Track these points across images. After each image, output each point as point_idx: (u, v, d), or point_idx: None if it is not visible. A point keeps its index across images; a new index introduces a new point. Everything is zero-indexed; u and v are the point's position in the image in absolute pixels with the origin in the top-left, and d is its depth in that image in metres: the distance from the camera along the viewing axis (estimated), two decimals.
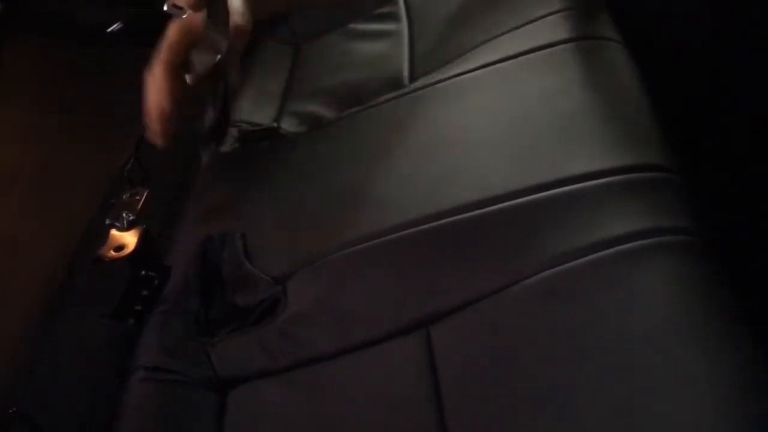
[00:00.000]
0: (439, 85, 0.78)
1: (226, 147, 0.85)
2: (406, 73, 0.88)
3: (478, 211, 0.64)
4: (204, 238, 0.74)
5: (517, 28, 0.80)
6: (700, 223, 0.60)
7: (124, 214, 0.67)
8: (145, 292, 0.70)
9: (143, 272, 0.68)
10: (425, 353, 0.59)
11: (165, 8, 0.73)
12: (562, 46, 0.75)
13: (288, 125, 0.86)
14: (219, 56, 0.76)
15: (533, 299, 0.58)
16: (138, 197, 0.69)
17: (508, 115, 0.70)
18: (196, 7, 0.74)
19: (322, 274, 0.67)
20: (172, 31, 0.75)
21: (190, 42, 0.75)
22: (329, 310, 0.65)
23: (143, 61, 1.04)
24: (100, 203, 0.86)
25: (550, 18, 0.79)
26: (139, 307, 0.70)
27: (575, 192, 0.62)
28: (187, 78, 0.76)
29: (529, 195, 0.63)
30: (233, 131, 0.86)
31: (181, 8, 0.73)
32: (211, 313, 0.71)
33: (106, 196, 0.86)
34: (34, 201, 0.90)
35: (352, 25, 0.97)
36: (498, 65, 0.76)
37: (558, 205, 0.62)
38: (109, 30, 1.01)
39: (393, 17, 0.97)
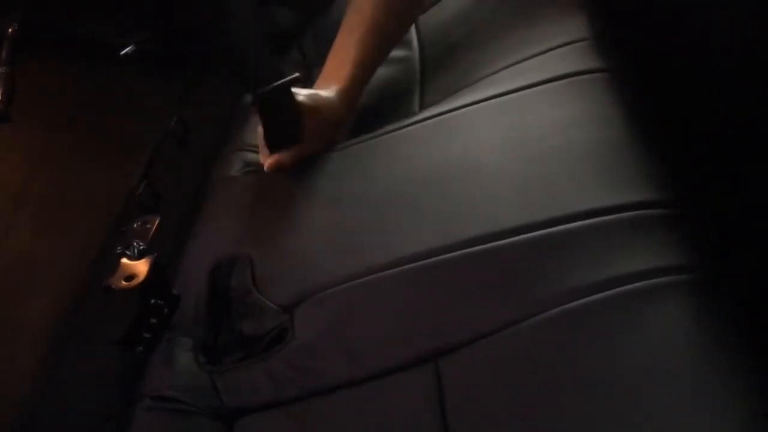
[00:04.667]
0: (450, 114, 0.78)
1: (236, 171, 0.85)
2: (416, 100, 0.88)
3: (488, 245, 0.64)
4: (213, 265, 0.74)
5: (529, 58, 0.80)
6: (710, 261, 0.59)
7: (135, 243, 0.67)
8: (153, 321, 0.70)
9: (152, 301, 0.69)
10: (434, 387, 0.59)
11: None
12: (572, 79, 0.76)
13: None
14: None
15: (543, 335, 0.58)
16: (149, 225, 0.69)
17: (518, 148, 0.71)
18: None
19: (330, 303, 0.67)
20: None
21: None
22: (337, 341, 0.65)
23: (155, 83, 1.06)
24: (111, 225, 0.87)
25: (562, 49, 0.79)
26: (147, 335, 0.70)
27: (583, 228, 0.62)
28: None
29: (539, 230, 0.63)
30: (242, 155, 0.87)
31: None
32: (219, 340, 0.72)
33: (117, 219, 0.86)
34: (45, 221, 0.90)
35: None
36: (509, 96, 0.76)
37: (566, 242, 0.62)
38: (122, 53, 1.02)
39: (404, 43, 0.97)
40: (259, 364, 0.66)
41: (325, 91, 0.83)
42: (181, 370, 0.67)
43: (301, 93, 0.80)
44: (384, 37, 0.89)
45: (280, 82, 0.76)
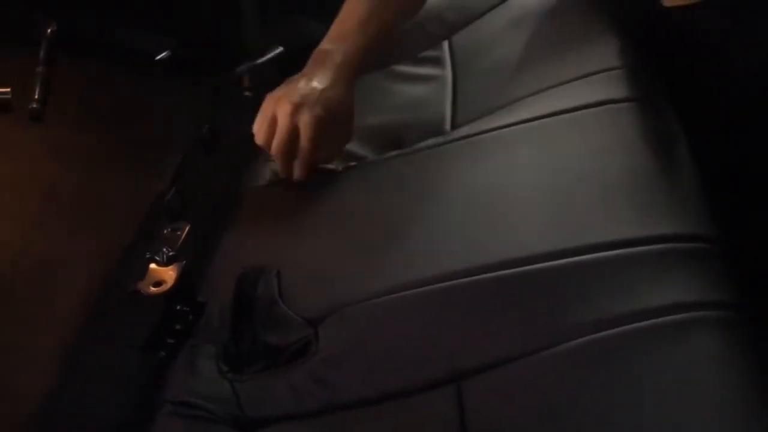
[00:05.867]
0: (482, 136, 0.78)
1: (265, 182, 0.86)
2: (447, 119, 0.88)
3: (515, 270, 0.64)
4: (239, 274, 0.74)
5: (563, 83, 0.80)
6: (742, 297, 0.59)
7: (164, 249, 0.68)
8: (177, 326, 0.70)
9: (178, 307, 0.69)
10: (455, 409, 0.59)
11: None
12: (605, 107, 0.76)
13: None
14: None
15: (570, 364, 0.57)
16: (179, 232, 0.70)
17: (550, 174, 0.71)
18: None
19: (355, 319, 0.67)
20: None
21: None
22: (360, 357, 0.65)
23: (187, 89, 1.07)
24: (137, 228, 0.87)
25: (595, 77, 0.79)
26: (171, 340, 0.70)
27: (613, 258, 0.62)
28: None
29: (567, 257, 0.63)
30: (271, 166, 0.87)
31: None
32: (241, 349, 0.72)
33: (144, 223, 0.87)
34: (72, 220, 0.91)
35: (396, 67, 0.98)
36: (542, 121, 0.77)
37: (595, 271, 0.62)
38: (158, 58, 1.03)
39: (437, 62, 0.98)
40: (281, 376, 0.66)
41: (321, 78, 0.81)
42: (203, 378, 0.67)
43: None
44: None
45: (266, 57, 0.77)
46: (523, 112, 0.79)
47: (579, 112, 0.76)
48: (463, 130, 0.80)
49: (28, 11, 1.09)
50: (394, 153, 0.81)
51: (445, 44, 1.01)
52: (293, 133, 0.78)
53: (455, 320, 0.64)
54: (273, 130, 0.80)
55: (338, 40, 0.85)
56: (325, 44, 0.85)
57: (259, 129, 0.81)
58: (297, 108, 0.78)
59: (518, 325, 0.61)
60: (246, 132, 0.85)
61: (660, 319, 0.57)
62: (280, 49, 0.77)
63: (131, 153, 1.00)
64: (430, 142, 0.80)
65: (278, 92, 0.81)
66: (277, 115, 0.79)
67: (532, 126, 0.76)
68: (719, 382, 0.53)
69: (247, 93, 0.83)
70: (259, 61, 0.75)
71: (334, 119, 0.80)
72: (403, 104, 0.93)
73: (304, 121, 0.78)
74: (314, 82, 0.81)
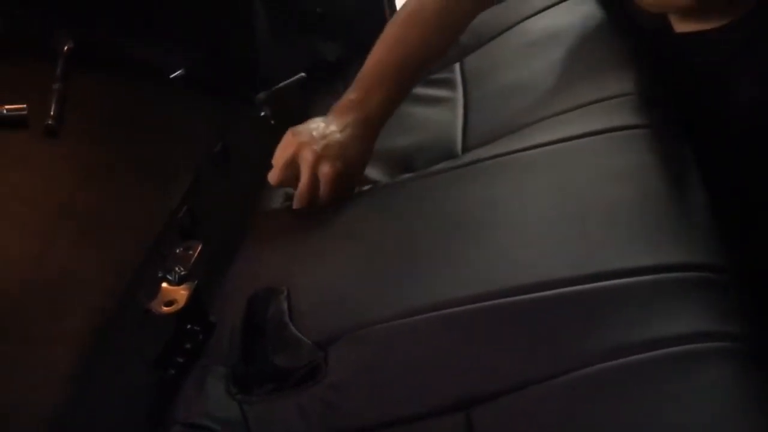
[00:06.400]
0: (493, 160, 0.79)
1: (277, 204, 0.86)
2: (459, 142, 0.89)
3: (527, 296, 0.64)
4: (250, 295, 0.75)
5: (574, 109, 0.81)
6: (753, 329, 0.59)
7: (177, 268, 0.68)
8: (188, 345, 0.70)
9: (189, 326, 0.69)
10: None
11: None
12: (617, 133, 0.76)
13: None
14: None
15: (581, 392, 0.57)
16: (191, 251, 0.70)
17: (561, 200, 0.71)
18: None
19: (365, 343, 0.67)
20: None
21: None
22: (369, 382, 0.65)
23: (201, 108, 1.08)
24: (149, 245, 0.88)
25: (607, 102, 0.80)
26: (180, 359, 0.71)
27: (625, 286, 0.62)
28: None
29: (579, 285, 0.63)
30: (284, 189, 0.88)
31: None
32: (251, 370, 0.72)
33: (156, 241, 0.88)
34: (85, 237, 0.91)
35: None
36: (554, 146, 0.77)
37: (607, 299, 0.62)
38: (173, 76, 1.04)
39: (449, 84, 0.99)
40: (290, 399, 0.66)
41: (343, 129, 0.84)
42: (212, 399, 0.67)
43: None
44: (424, 55, 0.90)
45: (287, 81, 0.79)
46: (535, 137, 0.79)
47: (590, 138, 0.76)
48: (474, 154, 0.81)
49: (46, 28, 1.10)
50: (405, 177, 0.82)
51: (457, 66, 1.02)
52: (316, 184, 0.82)
53: (465, 346, 0.64)
54: (289, 171, 0.83)
55: (362, 92, 0.87)
56: (349, 94, 0.88)
57: (276, 169, 0.84)
58: (319, 159, 0.81)
59: (528, 353, 0.61)
60: (259, 151, 0.85)
61: (670, 350, 0.57)
62: (302, 74, 0.80)
63: (145, 169, 1.00)
64: (441, 165, 0.81)
65: (302, 135, 0.83)
66: (299, 162, 0.82)
67: (544, 151, 0.77)
68: (729, 413, 0.53)
69: (263, 114, 0.85)
70: (281, 85, 0.77)
71: (352, 171, 0.84)
72: (415, 126, 0.94)
73: (325, 173, 0.81)
74: (337, 133, 0.84)
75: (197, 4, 1.10)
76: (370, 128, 0.85)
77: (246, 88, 1.06)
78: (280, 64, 1.07)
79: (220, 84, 1.09)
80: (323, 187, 0.82)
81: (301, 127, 0.85)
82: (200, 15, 1.10)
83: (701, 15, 0.87)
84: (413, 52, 0.89)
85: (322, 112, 0.89)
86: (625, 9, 0.92)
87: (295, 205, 0.84)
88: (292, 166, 0.83)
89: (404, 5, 0.94)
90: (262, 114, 0.85)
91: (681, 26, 0.89)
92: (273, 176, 0.84)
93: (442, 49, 0.93)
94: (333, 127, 0.84)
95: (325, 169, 0.81)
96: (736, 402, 0.54)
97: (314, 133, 0.83)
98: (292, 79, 0.79)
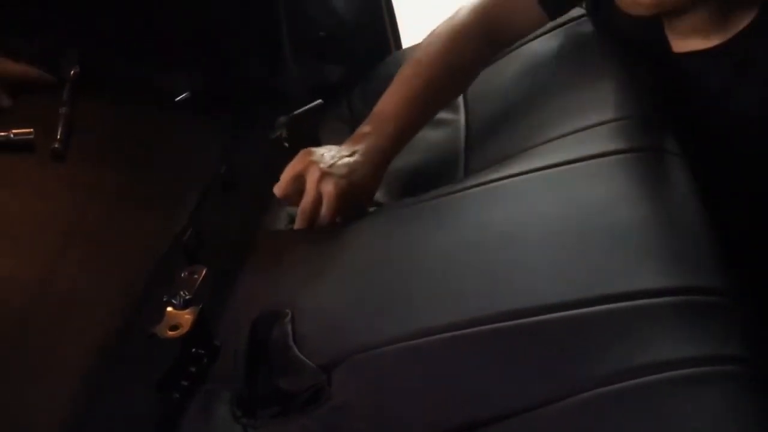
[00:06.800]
0: (495, 183, 0.79)
1: (282, 225, 0.87)
2: (461, 165, 0.90)
3: (527, 319, 0.64)
4: (254, 317, 0.75)
5: (575, 132, 0.81)
6: (756, 353, 0.59)
7: (181, 293, 0.69)
8: (192, 369, 0.71)
9: (193, 350, 0.70)
10: None
11: None
12: (618, 156, 0.76)
13: None
14: None
15: (581, 417, 0.57)
16: (196, 276, 0.71)
17: (563, 224, 0.71)
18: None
19: (368, 367, 0.67)
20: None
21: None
22: (372, 405, 0.65)
23: (206, 130, 1.09)
24: (155, 267, 0.89)
25: (608, 126, 0.80)
26: (185, 383, 0.71)
27: (627, 310, 0.62)
28: None
29: (581, 308, 0.63)
30: (288, 210, 0.89)
31: None
32: (255, 393, 0.72)
33: (161, 263, 0.88)
34: (90, 260, 0.92)
35: None
36: (555, 169, 0.77)
37: (608, 322, 0.62)
38: (177, 99, 1.05)
39: (451, 106, 1.00)
40: (294, 422, 0.66)
41: (353, 154, 0.86)
42: (217, 422, 0.68)
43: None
44: (438, 95, 0.92)
45: (306, 107, 0.81)
46: (537, 160, 0.80)
47: (590, 162, 0.77)
48: (477, 177, 0.81)
49: (53, 53, 1.12)
50: (409, 200, 0.82)
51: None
52: (318, 200, 0.83)
53: (468, 370, 0.64)
54: (294, 186, 0.85)
55: (375, 124, 0.90)
56: (364, 127, 0.90)
57: (282, 181, 0.86)
58: (324, 176, 0.83)
59: (532, 376, 0.61)
60: (264, 173, 0.86)
61: (672, 373, 0.57)
62: (320, 101, 0.82)
63: (151, 192, 1.01)
64: (444, 189, 0.81)
65: (314, 154, 0.86)
66: (306, 178, 0.84)
67: (545, 174, 0.77)
68: None
69: (285, 144, 0.87)
70: (301, 111, 0.80)
71: (358, 194, 0.85)
72: (419, 148, 0.94)
73: (328, 191, 0.82)
74: (347, 156, 0.86)
75: (201, 27, 1.12)
76: (380, 155, 0.87)
77: (255, 110, 1.07)
78: (287, 88, 1.08)
79: (226, 106, 1.10)
80: (325, 205, 0.83)
81: (316, 149, 0.87)
82: (204, 38, 1.12)
83: (698, 34, 0.88)
84: (423, 91, 0.91)
85: (326, 133, 0.90)
86: (623, 31, 0.93)
87: (297, 222, 0.85)
88: (299, 180, 0.84)
89: (420, 43, 0.96)
90: (276, 136, 0.87)
91: (679, 46, 0.90)
92: (279, 187, 0.86)
93: (450, 89, 0.96)
94: (344, 152, 0.86)
95: (329, 187, 0.82)
96: (739, 425, 0.54)
97: (325, 155, 0.85)
98: (311, 105, 0.81)
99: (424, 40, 0.95)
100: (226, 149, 1.04)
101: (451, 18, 0.95)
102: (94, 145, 1.05)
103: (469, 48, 0.93)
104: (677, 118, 0.85)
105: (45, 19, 1.12)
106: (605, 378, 0.58)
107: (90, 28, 1.11)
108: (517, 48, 1.00)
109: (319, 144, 0.88)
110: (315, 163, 0.84)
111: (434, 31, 0.95)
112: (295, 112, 0.83)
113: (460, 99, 1.00)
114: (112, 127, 1.08)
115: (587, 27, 0.98)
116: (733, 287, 0.64)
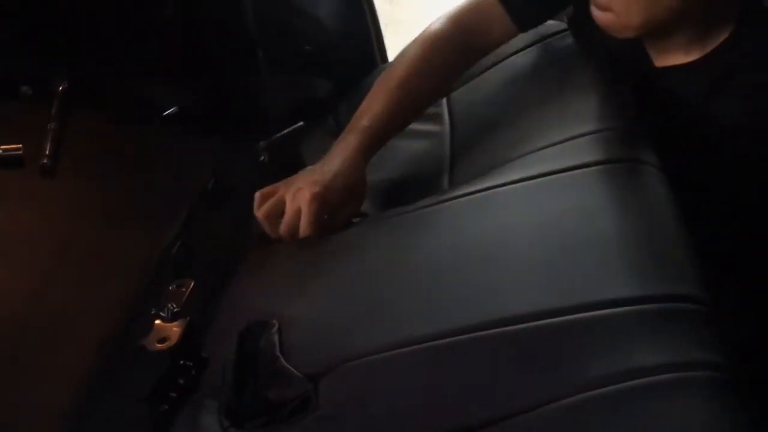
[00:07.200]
0: (480, 194, 0.80)
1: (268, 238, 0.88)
2: (446, 176, 0.91)
3: (512, 327, 0.65)
4: (241, 328, 0.76)
5: (559, 143, 0.83)
6: (732, 359, 0.60)
7: (169, 305, 0.69)
8: (181, 381, 0.71)
9: (182, 362, 0.70)
10: None
11: None
12: (599, 167, 0.78)
13: None
14: None
15: (565, 421, 0.58)
16: (184, 289, 0.72)
17: (546, 233, 0.72)
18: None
19: (355, 376, 0.68)
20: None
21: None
22: (360, 414, 0.66)
23: (194, 144, 1.10)
24: (145, 282, 0.89)
25: (588, 137, 0.82)
26: (173, 394, 0.72)
27: (608, 317, 0.63)
28: None
29: (563, 315, 0.64)
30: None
31: None
32: (243, 403, 0.73)
33: (151, 277, 0.89)
34: (80, 275, 0.92)
35: None
36: (538, 180, 0.79)
37: (590, 329, 0.63)
38: (166, 114, 1.06)
39: (436, 118, 1.01)
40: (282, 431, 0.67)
41: (325, 162, 0.87)
42: None
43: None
44: (413, 96, 0.93)
45: (288, 129, 0.83)
46: (520, 171, 0.81)
47: (574, 172, 0.78)
48: (461, 188, 0.83)
49: (42, 68, 1.12)
50: (394, 210, 0.83)
51: (444, 101, 1.04)
52: (298, 211, 0.84)
53: (454, 378, 0.65)
54: (275, 206, 0.86)
55: (351, 124, 0.92)
56: (342, 135, 0.92)
57: (256, 199, 0.88)
58: (299, 190, 0.84)
59: (513, 384, 0.62)
60: (253, 188, 0.87)
61: (651, 378, 0.58)
62: (301, 123, 0.84)
63: (139, 206, 1.02)
64: (429, 200, 0.83)
65: (288, 181, 0.88)
66: (284, 197, 0.85)
67: (527, 185, 0.79)
68: None
69: (262, 159, 0.89)
70: (281, 134, 0.82)
71: (337, 197, 0.85)
72: (403, 160, 0.96)
73: (304, 197, 0.83)
74: (325, 166, 0.87)
75: (190, 43, 1.13)
76: (353, 151, 0.88)
77: (242, 125, 1.08)
78: (273, 102, 1.09)
79: (215, 121, 1.11)
80: (303, 212, 0.83)
81: (292, 177, 0.88)
82: (193, 53, 1.13)
83: (679, 49, 0.89)
84: (398, 91, 0.92)
85: (313, 148, 0.91)
86: (605, 46, 0.95)
87: (283, 235, 0.86)
88: (277, 201, 0.86)
89: (404, 50, 0.98)
90: (261, 159, 0.89)
91: (660, 60, 0.92)
92: (256, 206, 0.87)
93: (426, 92, 0.96)
94: (322, 164, 0.88)
95: (304, 194, 0.83)
96: (714, 430, 0.55)
97: (301, 173, 0.87)
98: (291, 127, 0.83)
99: (404, 48, 0.97)
100: (215, 163, 1.05)
101: (428, 26, 0.96)
102: (83, 161, 1.06)
103: (444, 53, 0.94)
104: (659, 130, 0.87)
105: (33, 35, 1.13)
106: (583, 384, 0.59)
107: (79, 43, 1.12)
108: (500, 61, 1.02)
109: (303, 165, 0.90)
110: (292, 181, 0.86)
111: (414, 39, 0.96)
112: (276, 136, 0.85)
113: (445, 111, 1.01)
114: (101, 142, 1.08)
115: (569, 41, 1.00)
116: (709, 295, 0.65)
